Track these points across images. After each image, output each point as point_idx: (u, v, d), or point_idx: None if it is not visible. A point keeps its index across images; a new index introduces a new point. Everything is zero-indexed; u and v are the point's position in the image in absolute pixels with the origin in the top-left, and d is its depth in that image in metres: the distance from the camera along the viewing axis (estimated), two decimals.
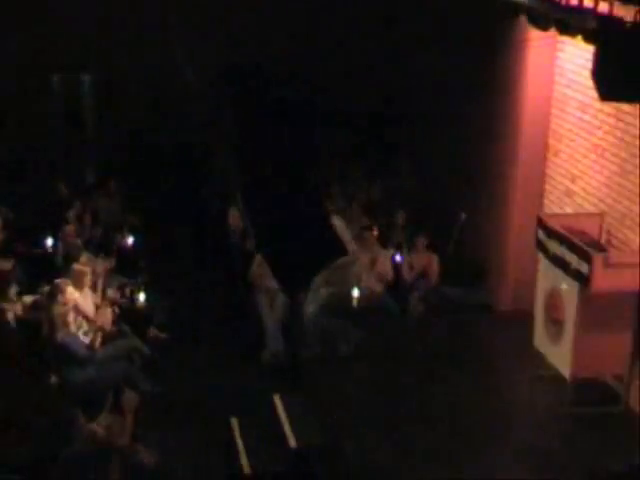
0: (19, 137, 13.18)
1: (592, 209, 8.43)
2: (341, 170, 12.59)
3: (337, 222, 9.60)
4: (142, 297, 9.69)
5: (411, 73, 12.26)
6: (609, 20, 5.61)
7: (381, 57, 12.91)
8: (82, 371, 8.24)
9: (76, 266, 9.30)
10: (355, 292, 9.76)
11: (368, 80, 13.02)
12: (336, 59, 12.94)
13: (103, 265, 9.95)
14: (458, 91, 10.86)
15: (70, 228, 10.61)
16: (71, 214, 10.93)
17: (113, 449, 6.62)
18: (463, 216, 7.57)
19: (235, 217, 11.18)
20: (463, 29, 9.87)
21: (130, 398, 7.06)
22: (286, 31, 12.18)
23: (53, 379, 8.30)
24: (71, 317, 8.59)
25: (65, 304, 8.61)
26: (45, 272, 9.79)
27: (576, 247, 7.37)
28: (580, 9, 6.23)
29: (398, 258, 10.44)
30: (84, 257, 9.81)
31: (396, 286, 10.27)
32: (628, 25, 5.35)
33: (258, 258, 9.52)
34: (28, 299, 9.25)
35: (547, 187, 9.46)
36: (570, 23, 6.62)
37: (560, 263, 7.58)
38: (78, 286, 9.06)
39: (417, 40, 11.70)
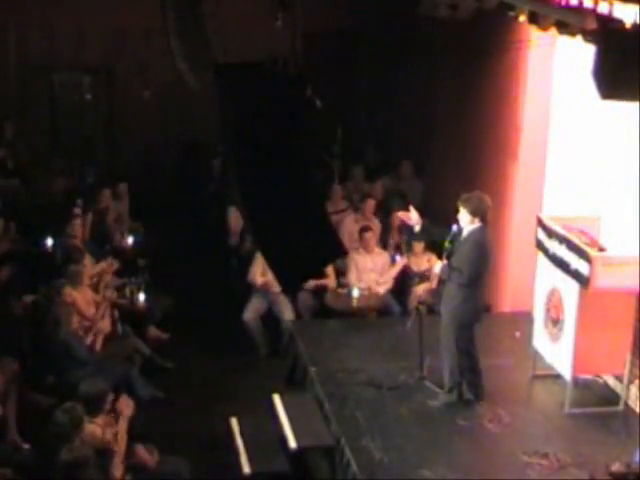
0: (19, 137, 13.21)
1: (592, 209, 8.43)
2: (342, 170, 12.60)
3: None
4: (142, 297, 9.71)
5: (410, 72, 12.28)
6: (609, 20, 5.61)
7: (381, 56, 12.94)
8: (82, 372, 8.24)
9: (73, 267, 9.30)
10: (355, 292, 9.79)
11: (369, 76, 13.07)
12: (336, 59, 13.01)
13: (103, 265, 9.96)
14: (458, 91, 10.87)
15: (71, 228, 10.62)
16: (72, 214, 10.92)
17: (111, 450, 6.62)
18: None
19: (234, 217, 11.19)
20: (462, 30, 9.87)
21: (126, 404, 7.06)
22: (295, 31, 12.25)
23: (50, 379, 8.32)
24: (74, 317, 8.59)
25: (68, 304, 8.62)
26: (45, 272, 9.79)
27: (576, 247, 7.37)
28: (580, 9, 6.22)
29: (398, 259, 10.46)
30: (85, 257, 9.81)
31: (396, 286, 10.29)
32: (628, 25, 5.35)
33: (258, 258, 9.53)
34: (28, 299, 9.25)
35: (547, 187, 9.46)
36: (570, 23, 6.62)
37: (560, 263, 7.57)
38: (78, 286, 9.07)
39: (417, 41, 11.74)
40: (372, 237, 10.25)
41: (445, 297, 7.62)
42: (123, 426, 6.83)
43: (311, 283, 9.76)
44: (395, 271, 10.24)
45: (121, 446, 6.68)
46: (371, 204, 11.06)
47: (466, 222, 7.45)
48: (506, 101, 9.69)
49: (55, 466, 6.12)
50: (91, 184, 12.70)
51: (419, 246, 10.16)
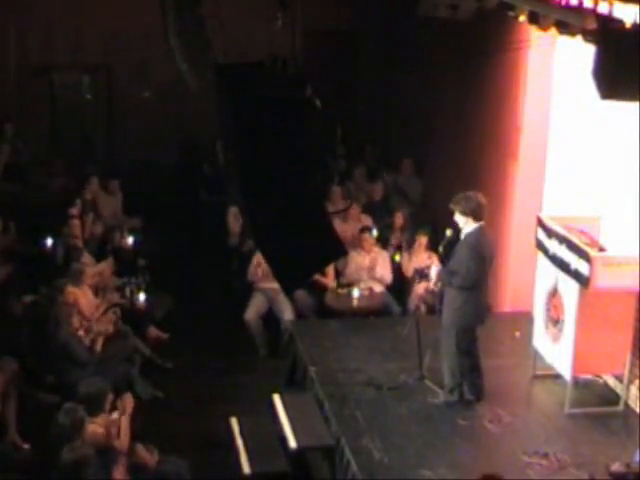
0: (19, 137, 13.20)
1: (592, 209, 8.43)
2: (342, 170, 12.59)
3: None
4: (142, 297, 9.70)
5: (410, 73, 12.28)
6: (609, 20, 5.61)
7: (381, 55, 12.93)
8: (82, 372, 8.24)
9: (76, 265, 9.31)
10: (355, 292, 9.79)
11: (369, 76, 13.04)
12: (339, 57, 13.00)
13: (104, 265, 9.96)
14: (458, 91, 10.86)
15: (70, 227, 10.61)
16: (72, 213, 10.92)
17: (113, 449, 6.62)
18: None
19: (234, 217, 11.20)
20: (463, 30, 9.87)
21: (127, 401, 7.07)
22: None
23: (50, 379, 8.32)
24: (75, 317, 8.59)
25: (69, 304, 8.62)
26: (45, 272, 9.80)
27: (576, 247, 7.37)
28: (580, 9, 6.22)
29: (398, 258, 10.46)
30: (85, 257, 9.81)
31: (396, 286, 10.29)
32: (628, 25, 5.35)
33: (257, 257, 9.53)
34: (28, 299, 9.26)
35: (547, 187, 9.46)
36: (570, 23, 6.62)
37: (560, 263, 7.58)
38: (79, 284, 9.07)
39: (418, 41, 11.74)
40: (369, 236, 10.26)
41: (446, 300, 7.62)
42: (125, 424, 6.83)
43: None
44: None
45: (124, 444, 6.68)
46: (355, 209, 11.11)
47: (462, 223, 7.47)
48: (506, 101, 9.68)
49: (56, 466, 6.12)
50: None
51: (423, 239, 10.14)
